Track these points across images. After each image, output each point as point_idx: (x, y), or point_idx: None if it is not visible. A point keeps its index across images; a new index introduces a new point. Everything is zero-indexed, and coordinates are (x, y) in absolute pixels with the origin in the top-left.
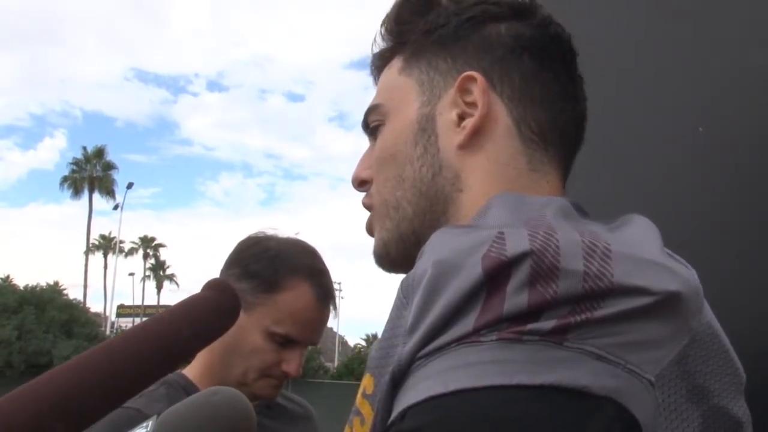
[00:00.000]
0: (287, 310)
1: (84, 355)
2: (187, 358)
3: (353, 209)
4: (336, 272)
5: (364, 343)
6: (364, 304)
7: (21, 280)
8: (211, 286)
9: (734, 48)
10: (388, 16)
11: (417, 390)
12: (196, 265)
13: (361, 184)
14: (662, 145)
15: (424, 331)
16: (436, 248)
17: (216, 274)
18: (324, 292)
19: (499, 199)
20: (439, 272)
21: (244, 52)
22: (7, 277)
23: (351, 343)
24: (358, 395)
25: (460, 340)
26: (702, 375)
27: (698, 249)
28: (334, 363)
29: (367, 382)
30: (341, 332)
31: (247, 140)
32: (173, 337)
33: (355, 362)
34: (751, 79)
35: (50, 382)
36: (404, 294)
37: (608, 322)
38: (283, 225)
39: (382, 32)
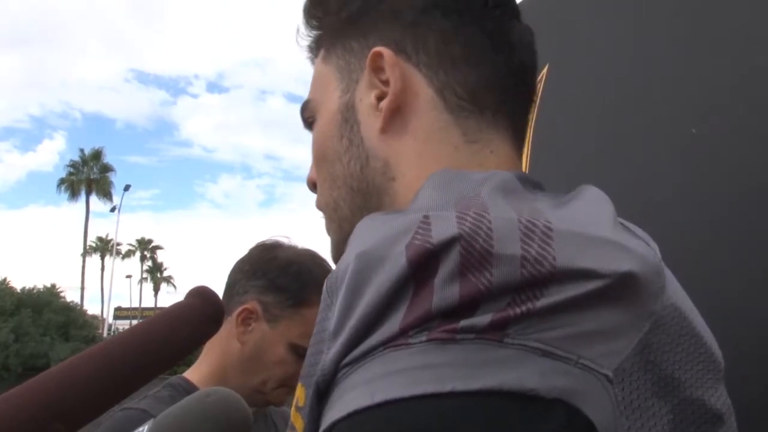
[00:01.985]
0: (313, 324)
1: (74, 358)
2: (171, 366)
3: None
4: None
5: None
6: None
7: (18, 283)
8: (194, 293)
9: (728, 50)
10: (305, 2)
11: (342, 403)
12: (194, 267)
13: (314, 186)
14: (655, 146)
15: (348, 335)
16: (360, 239)
17: (214, 275)
18: None
19: (433, 178)
20: (362, 266)
21: (244, 53)
22: (4, 279)
23: None
24: (292, 408)
25: (386, 344)
26: (669, 364)
27: (691, 249)
28: None
29: (299, 393)
30: None
31: (246, 141)
32: (156, 343)
33: None
34: (745, 80)
35: (45, 383)
36: (329, 293)
37: (553, 312)
38: (283, 226)
39: (304, 21)
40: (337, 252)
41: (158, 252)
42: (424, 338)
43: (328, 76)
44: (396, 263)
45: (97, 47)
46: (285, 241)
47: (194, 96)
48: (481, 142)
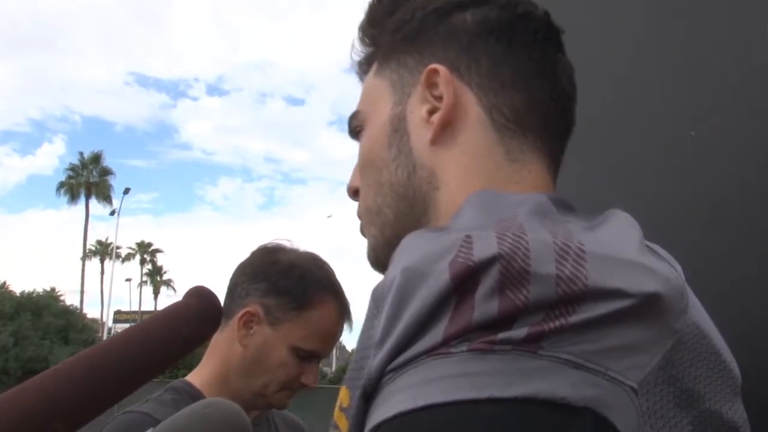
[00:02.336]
0: (315, 327)
1: (73, 358)
2: (169, 366)
3: (352, 213)
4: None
5: None
6: (362, 308)
7: (18, 286)
8: (192, 293)
9: (726, 52)
10: (361, 22)
11: (387, 405)
12: (194, 270)
13: (355, 193)
14: (654, 149)
15: (393, 343)
16: (405, 254)
17: (214, 278)
18: (345, 308)
19: (474, 197)
20: (407, 280)
21: (244, 56)
22: (3, 283)
23: (348, 347)
24: (336, 409)
25: (429, 352)
26: (690, 379)
27: (688, 251)
28: (332, 368)
29: (343, 395)
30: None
31: (246, 144)
32: (154, 343)
33: None
34: (744, 82)
35: (44, 383)
36: (375, 303)
37: (584, 327)
38: (282, 229)
39: (360, 36)
40: (375, 255)
41: (158, 255)
42: (464, 348)
43: (379, 88)
44: (439, 279)
45: (97, 50)
46: (287, 244)
47: (194, 99)
48: (521, 162)
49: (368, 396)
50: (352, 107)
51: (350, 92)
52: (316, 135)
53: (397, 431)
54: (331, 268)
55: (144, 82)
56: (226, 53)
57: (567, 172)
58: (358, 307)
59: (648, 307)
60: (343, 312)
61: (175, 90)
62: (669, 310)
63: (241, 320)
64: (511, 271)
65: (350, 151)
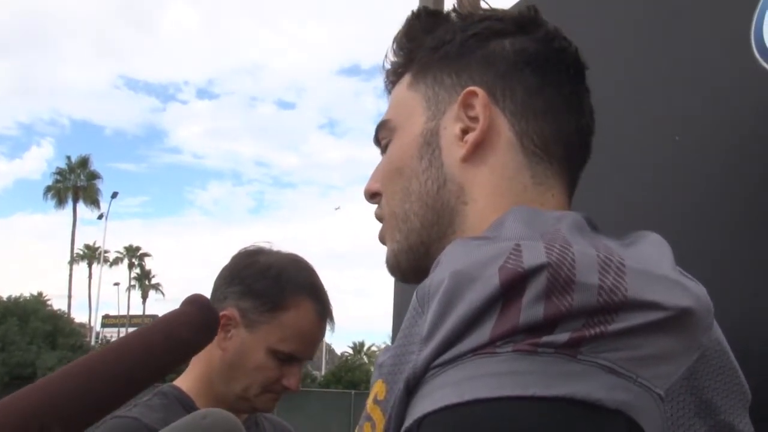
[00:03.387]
0: (292, 328)
1: (71, 365)
2: (167, 373)
3: (342, 217)
4: (324, 280)
5: (351, 352)
6: (352, 312)
7: (4, 291)
8: (189, 301)
9: (709, 57)
10: (399, 33)
11: (433, 398)
12: (183, 274)
13: (372, 196)
14: (639, 153)
15: (440, 340)
16: (454, 259)
17: (202, 282)
18: (325, 310)
19: (515, 212)
20: (456, 282)
21: (234, 60)
22: None
23: (338, 351)
24: (369, 401)
25: (476, 351)
26: (710, 391)
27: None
28: (321, 371)
29: (379, 389)
30: (328, 341)
31: (237, 148)
32: (152, 352)
33: (342, 370)
34: (728, 87)
35: (41, 391)
36: (420, 303)
37: (621, 336)
38: (272, 233)
39: (394, 48)
40: (396, 260)
41: (146, 259)
42: (509, 349)
43: (413, 101)
44: (489, 283)
45: (87, 54)
46: (267, 246)
47: (184, 102)
48: (545, 185)
49: (411, 389)
50: (343, 111)
51: (341, 96)
52: (307, 139)
53: (444, 423)
54: (312, 269)
55: (134, 85)
56: (216, 57)
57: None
58: (342, 309)
59: (680, 321)
60: (322, 313)
61: (165, 93)
62: (698, 324)
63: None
64: (558, 279)
65: (340, 154)
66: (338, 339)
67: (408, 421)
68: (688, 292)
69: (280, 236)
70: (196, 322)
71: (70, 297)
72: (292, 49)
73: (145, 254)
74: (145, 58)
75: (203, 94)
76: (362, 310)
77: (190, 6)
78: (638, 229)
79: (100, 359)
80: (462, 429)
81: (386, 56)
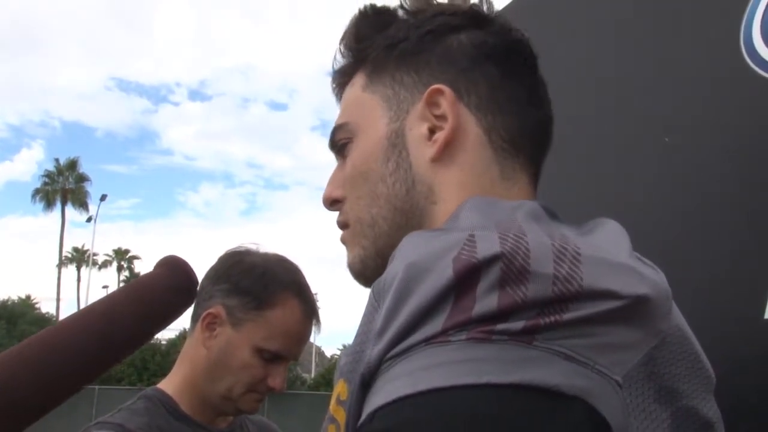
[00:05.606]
0: (278, 326)
1: (27, 340)
2: (144, 341)
3: (332, 220)
4: (314, 282)
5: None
6: (341, 314)
7: None
8: (162, 263)
9: (699, 59)
10: (346, 32)
11: (385, 391)
12: None
13: (332, 203)
14: (629, 155)
15: (393, 333)
16: (407, 252)
17: None
18: (311, 309)
19: (470, 202)
20: (410, 275)
21: (226, 61)
22: None
23: (328, 353)
24: (332, 402)
25: (428, 341)
26: (670, 377)
27: (663, 255)
28: (311, 374)
29: (341, 389)
30: (318, 343)
31: (228, 150)
32: (124, 317)
33: (332, 373)
34: (717, 90)
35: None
36: (376, 297)
37: (577, 324)
38: (263, 235)
39: (342, 49)
40: (362, 266)
41: (136, 262)
42: (463, 337)
43: (372, 102)
44: (442, 274)
45: (78, 55)
46: (253, 247)
47: (176, 104)
48: (512, 180)
49: (366, 384)
50: (335, 113)
51: (333, 98)
52: (299, 140)
53: (396, 415)
54: (298, 268)
55: (125, 87)
56: (208, 58)
57: (545, 173)
58: (332, 311)
59: (637, 308)
60: (308, 312)
61: (157, 95)
62: (656, 311)
63: (203, 322)
64: (512, 269)
65: (332, 156)
66: (328, 341)
67: (363, 416)
68: (645, 279)
69: (271, 238)
70: (170, 283)
71: (58, 300)
72: (284, 50)
73: (135, 257)
74: (136, 60)
75: (195, 95)
76: (353, 313)
77: (182, 7)
78: (626, 230)
79: (56, 332)
80: (416, 420)
81: (334, 57)
